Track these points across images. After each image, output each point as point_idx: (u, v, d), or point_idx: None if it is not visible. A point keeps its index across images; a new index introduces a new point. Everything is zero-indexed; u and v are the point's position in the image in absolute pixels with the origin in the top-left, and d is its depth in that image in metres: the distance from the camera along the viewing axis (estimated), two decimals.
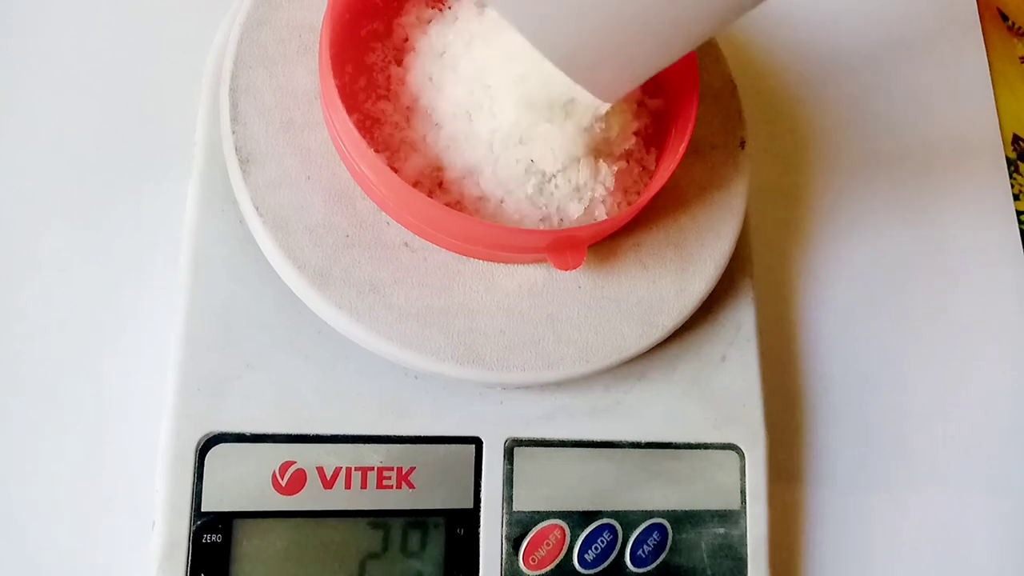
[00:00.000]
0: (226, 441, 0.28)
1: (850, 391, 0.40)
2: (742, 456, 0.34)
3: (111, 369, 0.32)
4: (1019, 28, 0.50)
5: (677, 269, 0.32)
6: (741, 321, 0.35)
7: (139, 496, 0.30)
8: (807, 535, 0.38)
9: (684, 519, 0.32)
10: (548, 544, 0.31)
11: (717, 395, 0.34)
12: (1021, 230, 0.45)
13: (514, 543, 0.30)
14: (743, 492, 0.33)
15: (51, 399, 0.31)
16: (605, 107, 0.28)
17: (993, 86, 0.48)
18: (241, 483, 0.28)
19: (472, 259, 0.30)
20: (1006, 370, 0.43)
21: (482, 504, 0.30)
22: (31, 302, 0.32)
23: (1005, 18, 0.50)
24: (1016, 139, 0.47)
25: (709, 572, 0.32)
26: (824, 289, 0.41)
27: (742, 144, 0.35)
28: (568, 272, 0.30)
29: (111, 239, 0.33)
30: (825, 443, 0.39)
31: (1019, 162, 0.47)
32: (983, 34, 0.49)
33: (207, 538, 0.28)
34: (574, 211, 0.30)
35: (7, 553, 0.30)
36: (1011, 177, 0.46)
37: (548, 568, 0.31)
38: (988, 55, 0.49)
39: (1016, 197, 0.46)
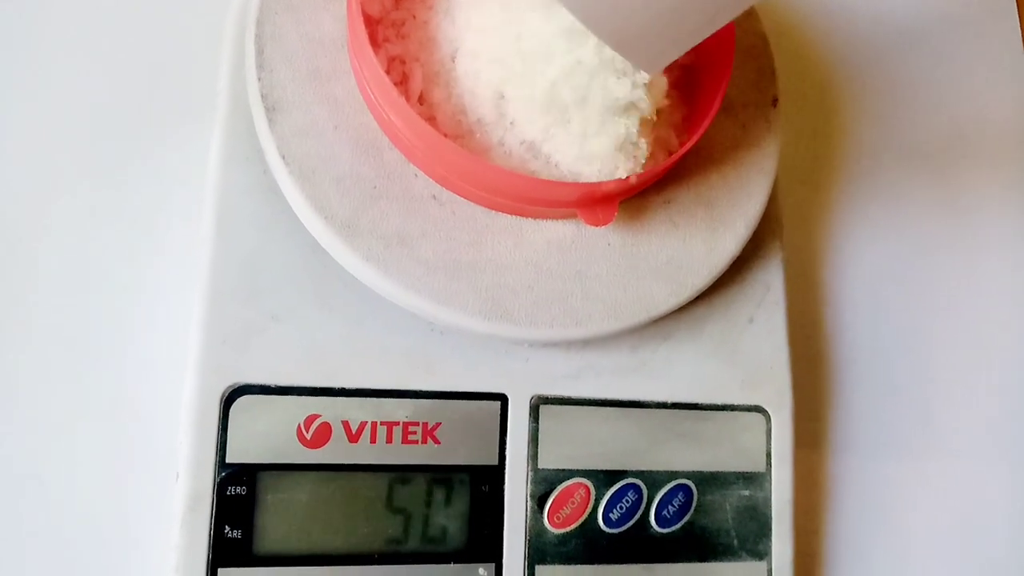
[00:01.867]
0: (251, 393, 0.28)
1: (876, 357, 0.39)
2: (768, 418, 0.33)
3: (135, 321, 0.32)
4: None
5: (707, 228, 0.32)
6: (770, 282, 0.35)
7: (163, 448, 0.30)
8: (830, 499, 0.37)
9: (709, 480, 0.32)
10: (573, 502, 0.30)
11: (744, 356, 0.33)
12: None
13: (539, 501, 0.30)
14: (768, 454, 0.33)
15: (74, 353, 0.31)
16: (646, 77, 0.28)
17: None
18: (266, 435, 0.28)
19: (501, 213, 0.30)
20: None
21: (507, 461, 0.30)
22: (53, 255, 0.32)
23: None
24: None
25: (734, 533, 0.32)
26: (853, 254, 0.41)
27: (774, 102, 0.34)
28: (598, 228, 0.29)
29: (133, 190, 0.33)
30: (850, 408, 0.39)
31: None
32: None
33: (231, 490, 0.28)
34: (605, 166, 0.29)
35: (31, 507, 0.30)
36: None
37: (573, 526, 0.30)
38: (1020, 20, 0.48)
39: None
